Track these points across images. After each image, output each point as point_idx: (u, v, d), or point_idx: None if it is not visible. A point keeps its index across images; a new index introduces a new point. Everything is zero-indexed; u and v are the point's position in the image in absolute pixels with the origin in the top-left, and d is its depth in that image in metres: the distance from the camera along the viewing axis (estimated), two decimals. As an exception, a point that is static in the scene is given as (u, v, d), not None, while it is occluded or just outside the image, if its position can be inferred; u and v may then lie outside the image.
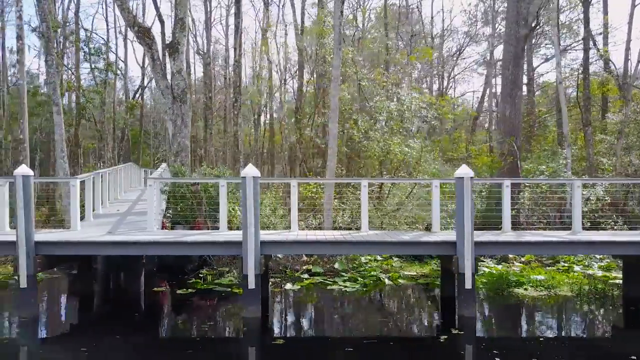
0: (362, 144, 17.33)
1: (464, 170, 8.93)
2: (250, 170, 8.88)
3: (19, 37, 16.12)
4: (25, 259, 8.56)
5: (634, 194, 15.92)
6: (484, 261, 12.92)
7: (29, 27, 27.85)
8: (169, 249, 9.45)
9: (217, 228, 12.03)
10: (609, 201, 15.12)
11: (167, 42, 17.02)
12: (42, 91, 30.50)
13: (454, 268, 8.91)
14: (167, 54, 16.00)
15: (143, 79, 33.77)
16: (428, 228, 13.66)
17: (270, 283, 11.10)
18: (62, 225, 14.51)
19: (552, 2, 18.47)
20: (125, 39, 32.07)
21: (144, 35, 14.66)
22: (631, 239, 9.50)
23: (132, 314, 9.74)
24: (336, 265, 12.81)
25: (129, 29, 16.02)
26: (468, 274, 8.65)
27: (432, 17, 35.53)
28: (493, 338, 8.28)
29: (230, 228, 11.31)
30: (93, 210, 12.35)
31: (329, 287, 11.32)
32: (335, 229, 13.97)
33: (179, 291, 10.92)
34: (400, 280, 12.02)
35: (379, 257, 13.64)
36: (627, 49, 24.08)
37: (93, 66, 29.01)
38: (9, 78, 30.40)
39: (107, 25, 31.40)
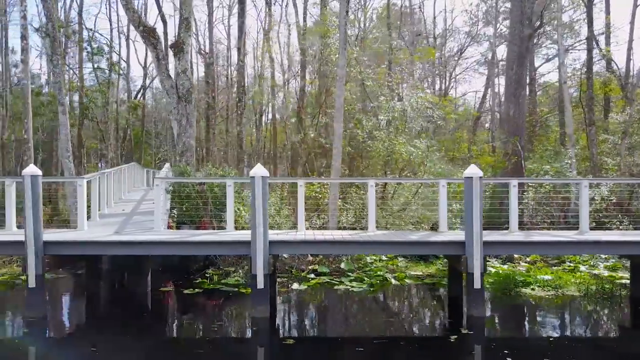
0: (367, 144, 17.32)
1: (473, 170, 8.92)
2: (259, 170, 8.87)
3: (23, 37, 16.11)
4: (33, 259, 8.55)
5: (639, 194, 15.92)
6: (489, 261, 12.90)
7: (32, 27, 27.77)
8: (177, 248, 9.44)
9: (223, 228, 12.04)
10: (614, 201, 15.12)
11: (172, 41, 17.02)
12: (44, 91, 30.48)
13: (462, 268, 8.91)
14: (171, 53, 16.02)
15: (145, 79, 33.77)
16: (433, 228, 13.65)
17: (277, 283, 11.08)
18: (66, 225, 14.50)
19: (556, 1, 18.47)
20: (127, 39, 32.11)
21: (149, 35, 14.65)
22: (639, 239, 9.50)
23: (140, 314, 9.74)
24: (342, 265, 12.80)
25: (134, 29, 15.95)
26: (477, 274, 8.65)
27: (434, 17, 35.51)
28: (503, 338, 8.27)
29: (235, 228, 11.29)
30: (99, 210, 12.33)
31: (335, 287, 11.31)
32: (339, 228, 13.96)
33: (185, 291, 10.91)
34: (406, 280, 12.01)
35: (383, 257, 13.63)
36: (630, 49, 24.12)
37: (96, 66, 29.00)
38: (11, 78, 30.36)
39: (111, 25, 31.38)
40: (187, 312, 10.06)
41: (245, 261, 12.42)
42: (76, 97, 28.45)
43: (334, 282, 11.71)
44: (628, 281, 11.01)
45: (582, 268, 12.67)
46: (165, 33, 25.85)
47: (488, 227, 12.04)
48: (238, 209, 12.78)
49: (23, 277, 11.81)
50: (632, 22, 23.38)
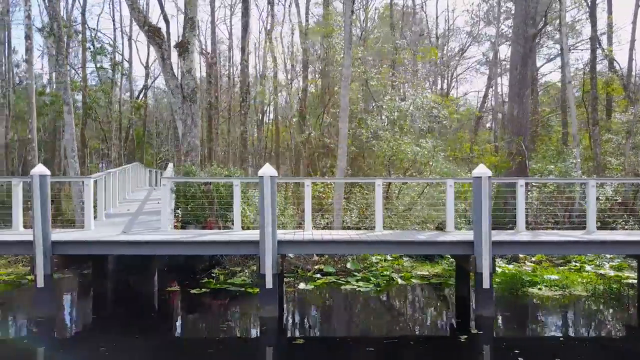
0: (371, 144, 17.31)
1: (482, 170, 8.90)
2: (268, 170, 8.87)
3: (27, 37, 16.09)
4: (42, 259, 8.54)
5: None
6: (494, 261, 12.88)
7: (34, 27, 27.75)
8: (185, 248, 9.42)
9: (228, 228, 12.03)
10: (619, 201, 15.11)
11: (174, 41, 17.01)
12: (46, 91, 30.45)
13: (471, 267, 8.90)
14: (175, 53, 16.00)
15: (146, 79, 33.73)
16: (439, 227, 13.65)
17: (284, 283, 11.07)
18: (70, 225, 14.46)
19: (560, 1, 18.45)
20: (130, 39, 32.07)
21: (154, 34, 14.63)
22: (648, 238, 9.50)
23: (148, 313, 9.72)
24: (348, 265, 12.79)
25: (138, 28, 15.94)
26: (486, 274, 8.65)
27: (436, 17, 35.53)
28: (512, 338, 8.26)
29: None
30: (104, 210, 12.32)
31: (342, 287, 11.30)
32: (343, 228, 13.95)
33: (192, 291, 10.90)
34: (413, 280, 12.00)
35: (388, 257, 13.62)
36: (632, 49, 24.17)
37: (99, 65, 28.98)
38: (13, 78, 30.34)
39: (114, 25, 31.32)
40: (195, 312, 10.06)
41: (252, 261, 12.45)
42: (79, 97, 28.39)
43: (340, 282, 11.71)
44: (635, 281, 11.02)
45: (588, 268, 12.67)
46: (168, 33, 25.84)
47: (492, 227, 12.04)
48: (243, 208, 12.78)
49: (29, 277, 11.87)
50: (634, 22, 23.41)
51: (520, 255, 13.40)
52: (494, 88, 33.23)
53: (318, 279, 11.92)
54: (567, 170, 16.62)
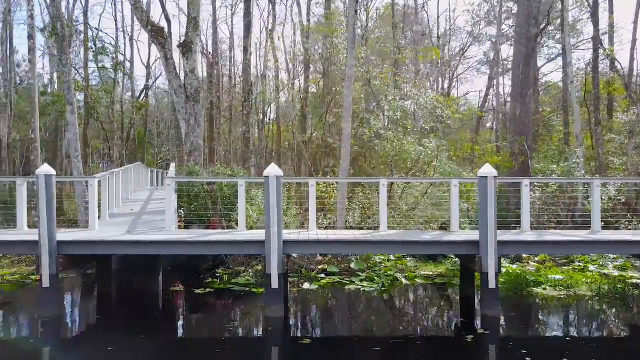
0: (374, 143, 17.29)
1: (488, 170, 8.90)
2: (274, 170, 8.87)
3: (30, 37, 16.09)
4: (47, 259, 8.53)
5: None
6: (500, 261, 12.87)
7: (36, 27, 27.74)
8: (190, 248, 9.41)
9: (232, 227, 12.03)
10: (622, 201, 15.11)
11: (177, 42, 16.98)
12: (48, 90, 30.45)
13: (476, 267, 8.90)
14: (177, 53, 16.02)
15: (148, 78, 33.74)
16: (442, 227, 13.64)
17: (289, 283, 11.07)
18: (73, 225, 14.45)
19: (562, 1, 18.45)
20: (131, 39, 32.06)
21: (157, 34, 14.62)
22: (653, 238, 9.50)
23: (153, 313, 9.72)
24: (352, 265, 12.78)
25: (142, 28, 15.91)
26: (492, 274, 8.65)
27: (437, 17, 35.52)
28: (519, 338, 8.25)
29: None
30: (108, 210, 12.31)
31: (346, 287, 11.29)
32: (346, 228, 13.94)
33: (197, 291, 10.89)
34: (417, 280, 12.00)
35: (392, 257, 13.61)
36: (633, 49, 24.15)
37: (101, 65, 28.96)
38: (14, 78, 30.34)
39: (117, 24, 31.39)
40: (199, 311, 10.05)
41: (256, 260, 12.44)
42: (81, 97, 28.39)
43: (344, 282, 11.70)
44: (639, 281, 11.01)
45: (592, 268, 12.65)
46: (170, 33, 25.78)
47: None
48: (246, 208, 12.77)
49: (33, 277, 11.87)
50: (635, 22, 23.37)
51: (524, 255, 13.39)
52: (495, 88, 33.21)
53: (322, 279, 11.91)
54: (570, 170, 16.61)
